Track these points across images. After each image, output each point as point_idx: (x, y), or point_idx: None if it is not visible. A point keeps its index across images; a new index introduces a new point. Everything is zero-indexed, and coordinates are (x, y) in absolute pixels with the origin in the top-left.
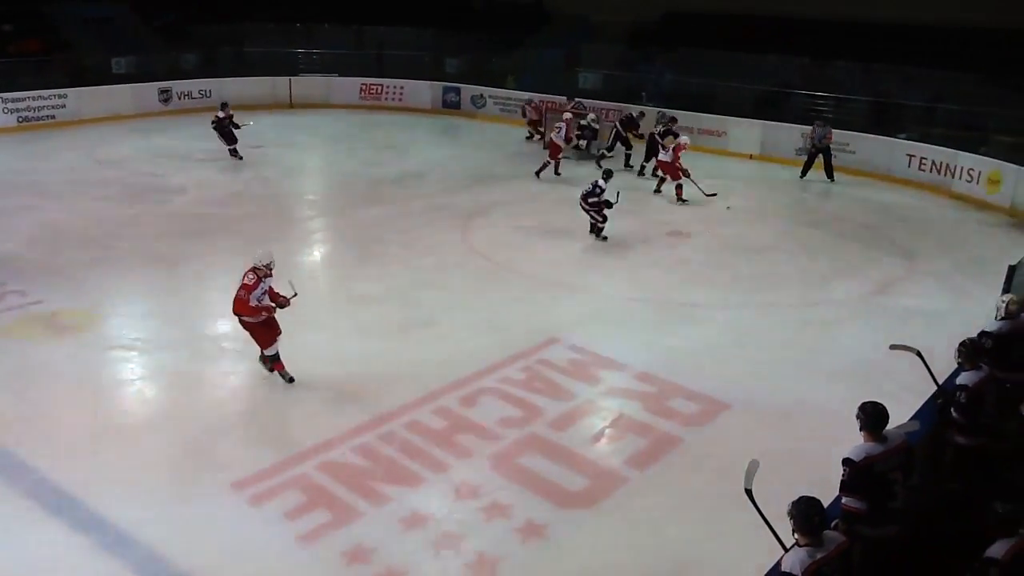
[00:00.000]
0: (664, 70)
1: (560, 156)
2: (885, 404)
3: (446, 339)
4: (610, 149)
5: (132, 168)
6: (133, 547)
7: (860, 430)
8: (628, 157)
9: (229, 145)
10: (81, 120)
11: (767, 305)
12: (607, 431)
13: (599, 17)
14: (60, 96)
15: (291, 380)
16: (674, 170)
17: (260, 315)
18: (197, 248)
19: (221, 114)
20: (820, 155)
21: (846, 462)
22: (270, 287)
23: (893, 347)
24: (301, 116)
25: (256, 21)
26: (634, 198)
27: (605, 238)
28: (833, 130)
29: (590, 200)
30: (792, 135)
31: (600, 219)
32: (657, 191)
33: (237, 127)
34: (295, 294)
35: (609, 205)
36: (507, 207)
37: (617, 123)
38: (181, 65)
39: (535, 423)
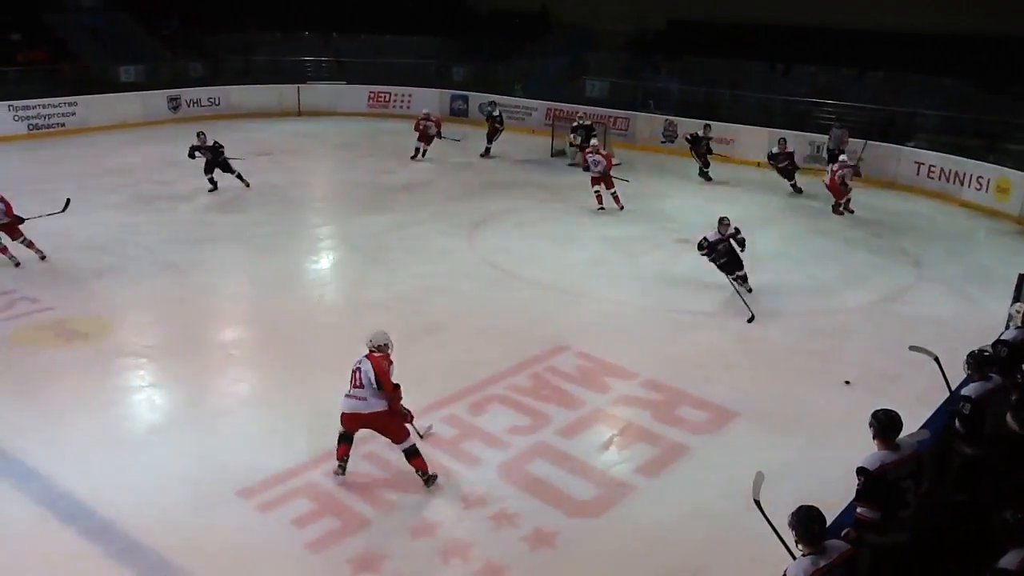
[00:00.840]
0: (670, 78)
1: (598, 189)
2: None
3: (453, 346)
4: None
5: (141, 176)
6: (143, 555)
7: (873, 438)
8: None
9: (207, 174)
10: (90, 128)
11: (775, 313)
12: (616, 439)
13: (602, 25)
14: (70, 104)
15: (434, 477)
16: (838, 191)
17: (399, 399)
18: (206, 256)
19: (195, 142)
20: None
21: (861, 471)
22: None
23: (912, 348)
24: (309, 124)
25: (264, 30)
26: (641, 205)
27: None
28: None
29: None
30: (799, 143)
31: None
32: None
33: (217, 156)
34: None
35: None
36: (514, 215)
37: (689, 144)
38: (189, 73)
39: (543, 431)
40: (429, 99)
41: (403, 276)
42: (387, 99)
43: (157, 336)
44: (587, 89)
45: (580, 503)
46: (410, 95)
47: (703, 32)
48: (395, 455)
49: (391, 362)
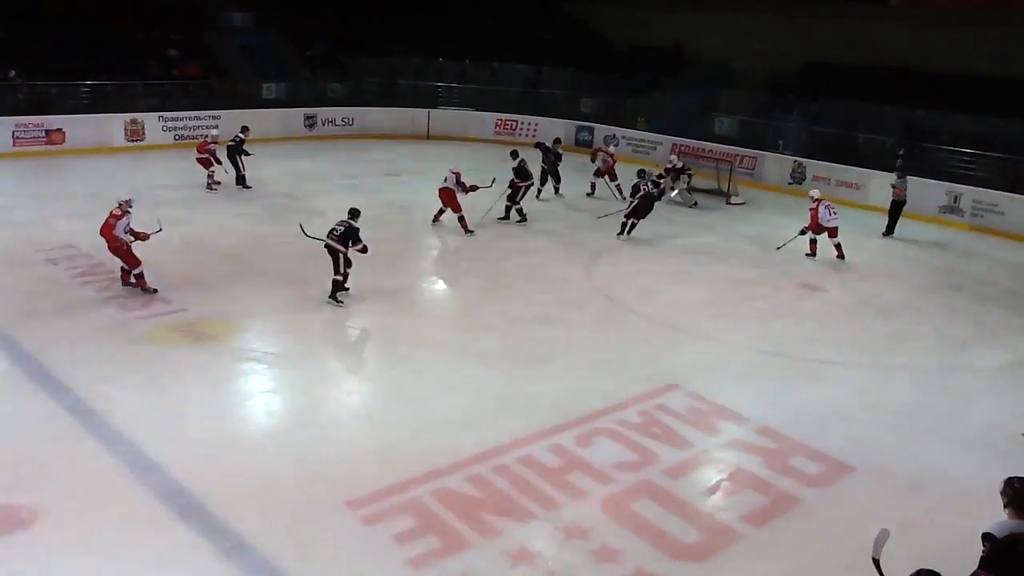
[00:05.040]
0: (802, 119)
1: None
2: None
3: (564, 376)
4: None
5: (274, 189)
6: (250, 555)
7: (1004, 507)
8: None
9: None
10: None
11: (900, 367)
12: (724, 484)
13: (738, 64)
14: (214, 118)
15: (155, 291)
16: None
17: (123, 245)
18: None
19: (242, 136)
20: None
21: (987, 537)
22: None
23: None
24: (437, 147)
25: (400, 55)
26: (765, 247)
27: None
28: (970, 188)
29: None
30: (935, 191)
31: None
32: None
33: (247, 154)
34: (159, 229)
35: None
36: (632, 248)
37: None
38: (327, 93)
39: (650, 469)
40: (555, 129)
41: (518, 302)
42: (514, 127)
43: (279, 344)
44: (715, 126)
45: (683, 546)
46: (536, 124)
47: (841, 75)
48: (500, 480)
49: (123, 215)
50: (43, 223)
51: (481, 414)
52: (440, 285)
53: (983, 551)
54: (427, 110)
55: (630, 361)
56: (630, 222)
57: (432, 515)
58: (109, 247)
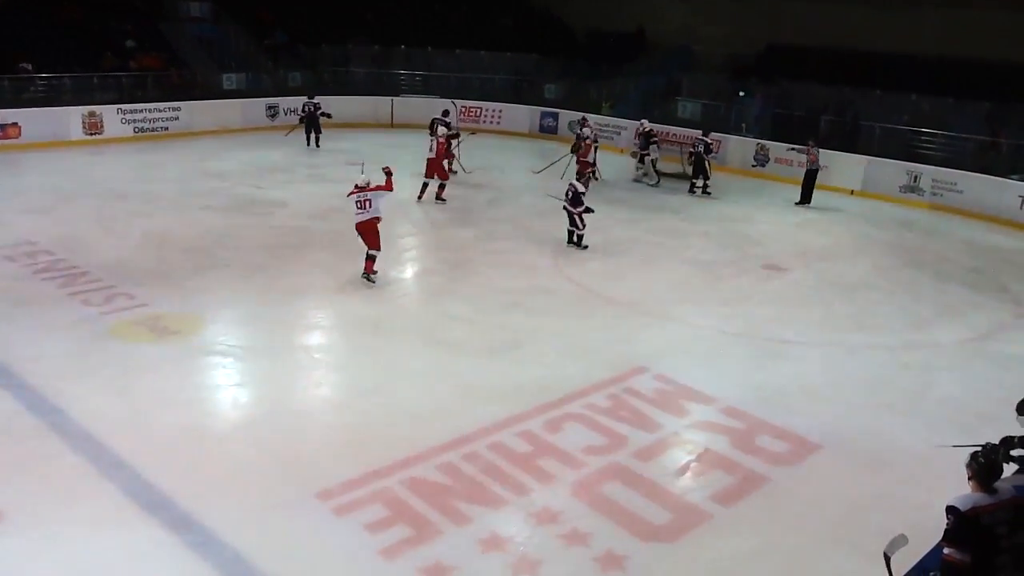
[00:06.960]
0: (765, 102)
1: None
2: None
3: (532, 362)
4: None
5: (237, 180)
6: (221, 549)
7: (969, 479)
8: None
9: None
10: (192, 132)
11: (863, 345)
12: (692, 465)
13: (700, 48)
14: (174, 109)
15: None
16: None
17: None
18: (294, 260)
19: (317, 103)
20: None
21: (951, 510)
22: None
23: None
24: (401, 135)
25: (362, 43)
26: (729, 229)
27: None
28: (929, 167)
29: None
30: (896, 171)
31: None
32: None
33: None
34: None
35: (590, 211)
36: (597, 233)
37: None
38: (288, 83)
39: (619, 452)
40: (520, 115)
41: (486, 290)
42: (478, 114)
43: (245, 336)
44: (679, 110)
45: (653, 527)
46: (500, 111)
47: (803, 57)
48: (470, 467)
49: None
50: None
51: (450, 402)
52: (407, 274)
53: (947, 524)
54: (390, 98)
55: (598, 345)
56: (701, 183)
57: (403, 504)
58: (361, 226)
